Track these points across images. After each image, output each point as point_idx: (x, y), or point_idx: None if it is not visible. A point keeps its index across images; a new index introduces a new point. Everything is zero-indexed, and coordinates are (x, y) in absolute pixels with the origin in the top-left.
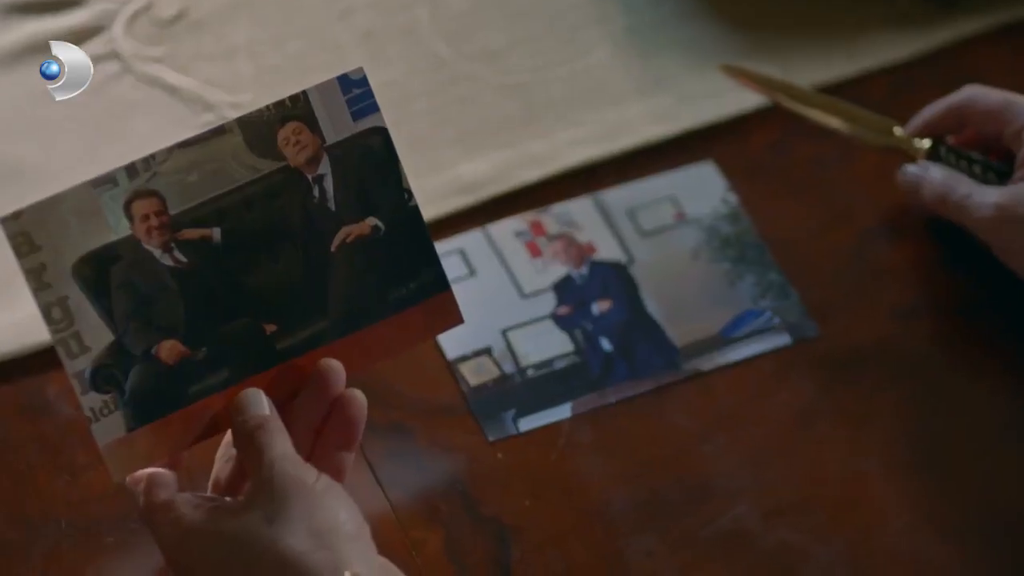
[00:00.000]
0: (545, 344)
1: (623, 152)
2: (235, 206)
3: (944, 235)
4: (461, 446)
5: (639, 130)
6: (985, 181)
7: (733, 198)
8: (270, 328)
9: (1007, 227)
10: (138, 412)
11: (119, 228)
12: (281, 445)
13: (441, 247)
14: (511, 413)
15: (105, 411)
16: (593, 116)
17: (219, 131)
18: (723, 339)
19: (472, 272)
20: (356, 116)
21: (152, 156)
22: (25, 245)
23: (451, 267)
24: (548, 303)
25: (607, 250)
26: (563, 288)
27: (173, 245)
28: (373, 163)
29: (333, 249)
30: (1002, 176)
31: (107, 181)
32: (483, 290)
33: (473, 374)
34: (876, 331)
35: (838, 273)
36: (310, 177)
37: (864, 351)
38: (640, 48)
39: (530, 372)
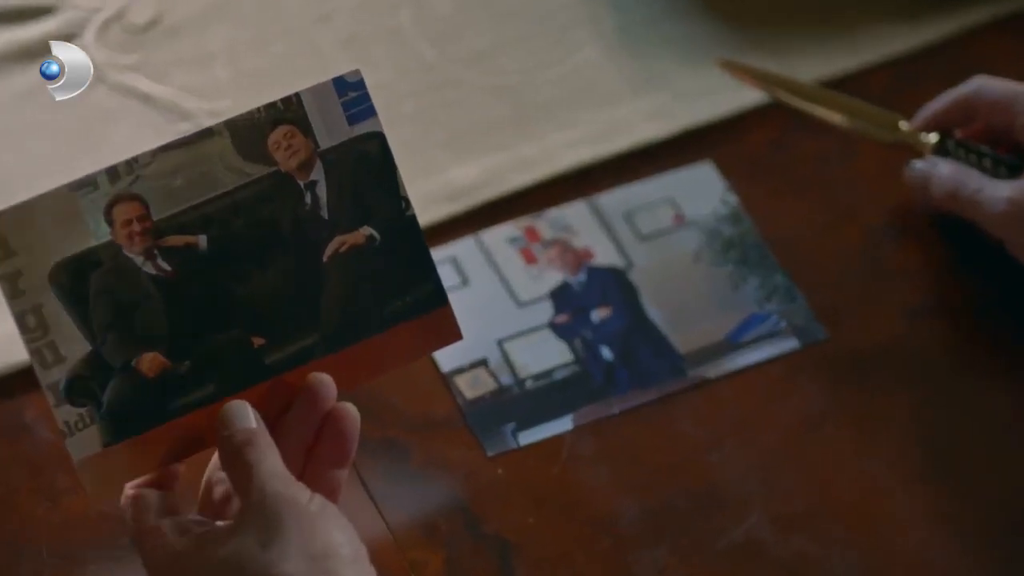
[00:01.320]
0: (543, 354)
1: (618, 153)
2: (222, 212)
3: (953, 233)
4: (459, 462)
5: (634, 130)
6: (995, 175)
7: (733, 198)
8: (258, 341)
9: (1020, 222)
10: (115, 427)
11: (99, 233)
12: (271, 462)
13: (432, 255)
14: (510, 426)
15: (80, 425)
16: (586, 117)
17: (206, 133)
18: (729, 344)
19: (465, 281)
20: (352, 120)
21: (135, 159)
22: (0, 250)
23: (443, 276)
24: (545, 311)
25: (604, 255)
26: (560, 296)
27: (156, 252)
28: (369, 169)
29: (325, 259)
30: (1013, 170)
31: (87, 184)
32: (477, 299)
33: (469, 387)
34: (885, 332)
35: (844, 274)
36: (302, 183)
37: (874, 353)
38: (633, 46)
39: (529, 384)
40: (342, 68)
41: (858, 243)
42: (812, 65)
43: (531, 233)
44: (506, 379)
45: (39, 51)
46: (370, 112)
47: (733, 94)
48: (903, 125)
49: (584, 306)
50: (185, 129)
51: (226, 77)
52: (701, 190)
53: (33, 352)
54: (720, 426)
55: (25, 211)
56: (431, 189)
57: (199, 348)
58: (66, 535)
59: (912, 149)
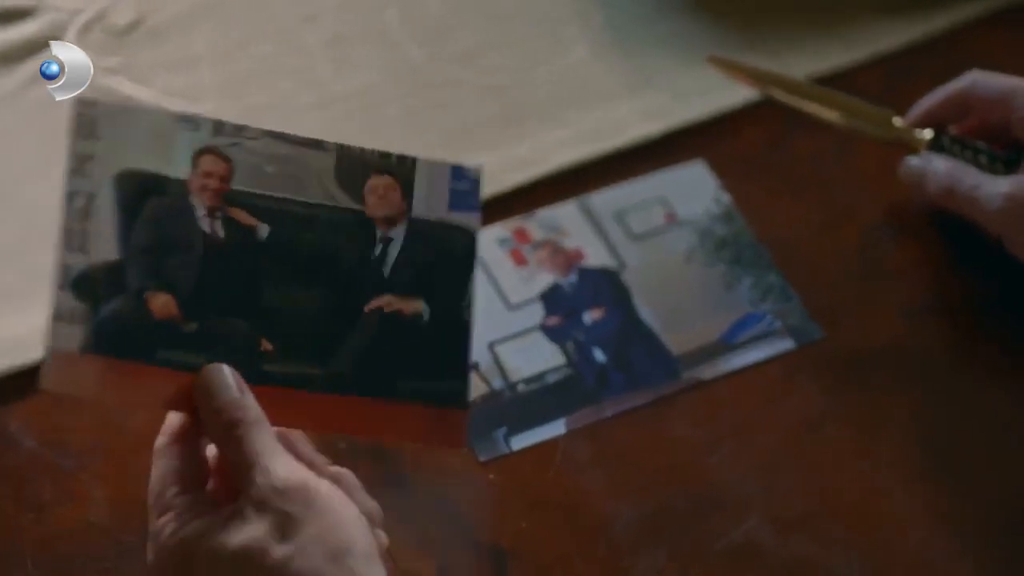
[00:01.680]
0: (535, 357)
1: (609, 152)
2: (296, 218)
3: (950, 231)
4: (451, 468)
5: (625, 129)
6: (991, 171)
7: (726, 197)
8: (266, 346)
9: (1018, 218)
10: (99, 339)
11: (178, 169)
12: (268, 444)
13: None
14: (502, 431)
15: (70, 318)
16: (577, 116)
17: (316, 144)
18: (723, 345)
19: None
20: (453, 207)
21: (244, 127)
22: (86, 129)
23: None
24: (536, 314)
25: (596, 256)
26: (551, 297)
27: (219, 215)
28: (449, 259)
29: (367, 310)
30: (1010, 166)
31: (192, 121)
32: None
33: None
34: (884, 332)
35: (842, 273)
36: (379, 233)
37: (872, 353)
38: (624, 45)
39: (520, 387)
40: (329, 69)
41: (855, 242)
42: (805, 62)
43: (521, 234)
44: (497, 383)
45: (19, 55)
46: (474, 209)
47: (726, 92)
48: (897, 121)
49: (576, 308)
50: None
51: (210, 79)
52: (693, 189)
53: (65, 230)
54: (717, 428)
55: (127, 112)
56: None
57: (211, 320)
58: (52, 547)
59: (907, 146)
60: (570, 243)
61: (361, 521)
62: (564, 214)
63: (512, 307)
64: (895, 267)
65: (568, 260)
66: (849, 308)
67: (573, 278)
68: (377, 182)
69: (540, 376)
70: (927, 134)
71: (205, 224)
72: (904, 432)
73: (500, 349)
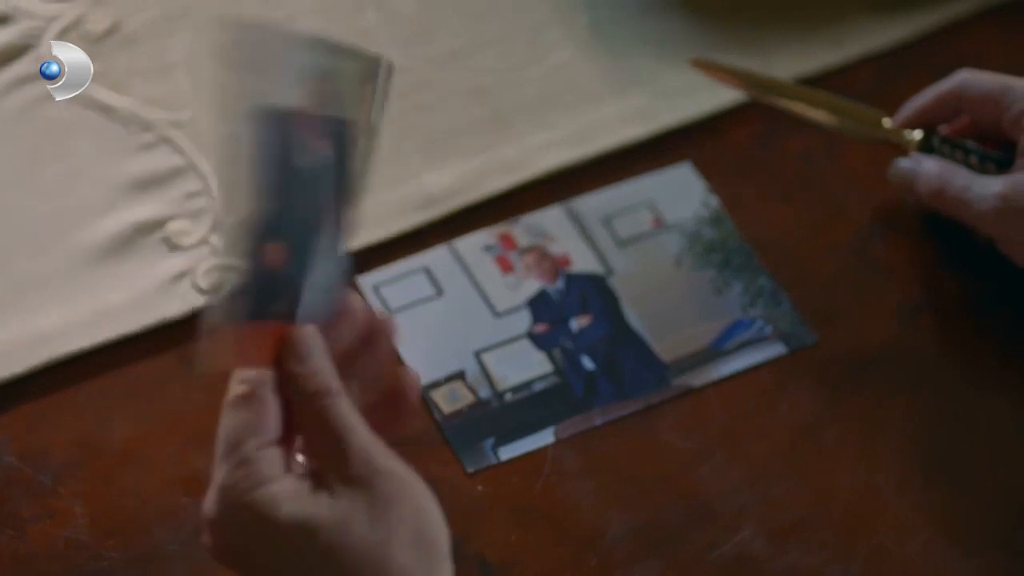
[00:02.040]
0: (522, 365)
1: (595, 155)
2: (339, 136)
3: (945, 230)
4: (437, 479)
5: (611, 132)
6: (983, 172)
7: (714, 200)
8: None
9: (1011, 219)
10: (233, 306)
11: (290, 96)
12: (356, 420)
13: (405, 265)
14: (490, 441)
15: (223, 290)
16: (562, 118)
17: (352, 55)
18: (714, 351)
19: (439, 292)
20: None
21: (327, 42)
22: (246, 62)
23: (416, 287)
24: (523, 321)
25: (583, 262)
26: (538, 304)
27: (313, 143)
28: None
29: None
30: (1001, 166)
31: (298, 41)
32: (452, 310)
33: (446, 401)
34: (879, 335)
35: (834, 275)
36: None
37: (867, 357)
38: (608, 45)
39: (508, 396)
40: None
41: (847, 243)
42: (793, 61)
43: (506, 240)
44: (484, 392)
45: None
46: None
47: (713, 92)
48: (886, 122)
49: (563, 315)
50: (148, 140)
51: (187, 86)
52: (681, 192)
53: (228, 183)
54: (708, 436)
55: (265, 36)
56: (402, 197)
57: (300, 261)
58: (31, 565)
59: (896, 146)
60: (557, 248)
61: (442, 515)
62: (550, 219)
63: (498, 314)
64: (888, 267)
65: (555, 266)
66: (842, 310)
67: (560, 284)
68: (367, 90)
69: (528, 384)
70: (917, 135)
71: (304, 157)
72: (900, 436)
73: (487, 357)
